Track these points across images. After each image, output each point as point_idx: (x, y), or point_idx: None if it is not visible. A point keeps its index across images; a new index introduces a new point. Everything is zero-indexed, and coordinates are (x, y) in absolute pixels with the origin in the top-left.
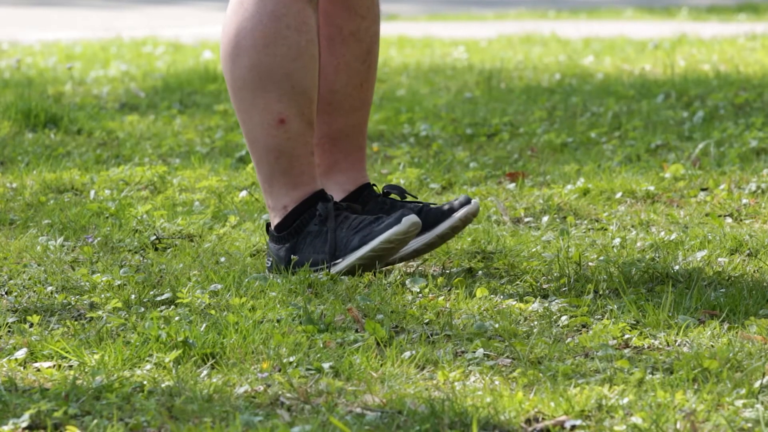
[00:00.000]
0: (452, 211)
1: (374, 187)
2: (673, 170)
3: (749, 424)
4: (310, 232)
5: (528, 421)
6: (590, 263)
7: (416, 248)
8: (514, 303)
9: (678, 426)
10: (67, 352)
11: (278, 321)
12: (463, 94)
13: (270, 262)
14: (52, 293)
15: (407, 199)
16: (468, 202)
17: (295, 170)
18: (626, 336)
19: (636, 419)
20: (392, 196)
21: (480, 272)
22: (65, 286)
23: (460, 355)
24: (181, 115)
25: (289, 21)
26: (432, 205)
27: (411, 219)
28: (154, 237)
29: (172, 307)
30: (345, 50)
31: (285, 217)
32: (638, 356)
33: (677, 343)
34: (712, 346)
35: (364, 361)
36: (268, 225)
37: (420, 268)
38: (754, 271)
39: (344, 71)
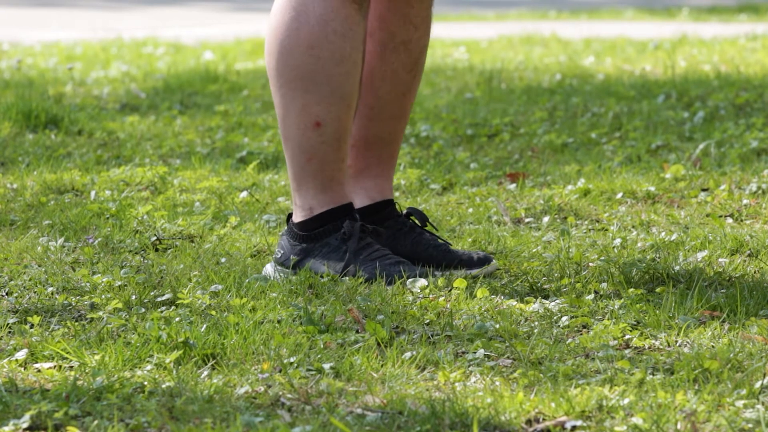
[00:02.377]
0: (471, 263)
1: (396, 206)
2: (674, 171)
3: (750, 425)
4: (329, 243)
5: (528, 422)
6: (591, 264)
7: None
8: (515, 303)
9: (679, 426)
10: (67, 353)
11: (279, 322)
12: (463, 95)
13: (280, 254)
14: (52, 294)
15: (427, 228)
16: (488, 261)
17: (325, 174)
18: (627, 336)
19: (637, 420)
20: (412, 218)
21: None
22: (66, 287)
23: (460, 356)
24: (181, 115)
25: (336, 26)
26: (452, 247)
27: (423, 283)
28: (155, 238)
29: (173, 307)
30: (394, 58)
31: (309, 219)
32: (639, 357)
33: (678, 344)
34: (713, 346)
35: (365, 362)
36: (289, 216)
37: (420, 269)
38: (755, 272)
39: (390, 79)
